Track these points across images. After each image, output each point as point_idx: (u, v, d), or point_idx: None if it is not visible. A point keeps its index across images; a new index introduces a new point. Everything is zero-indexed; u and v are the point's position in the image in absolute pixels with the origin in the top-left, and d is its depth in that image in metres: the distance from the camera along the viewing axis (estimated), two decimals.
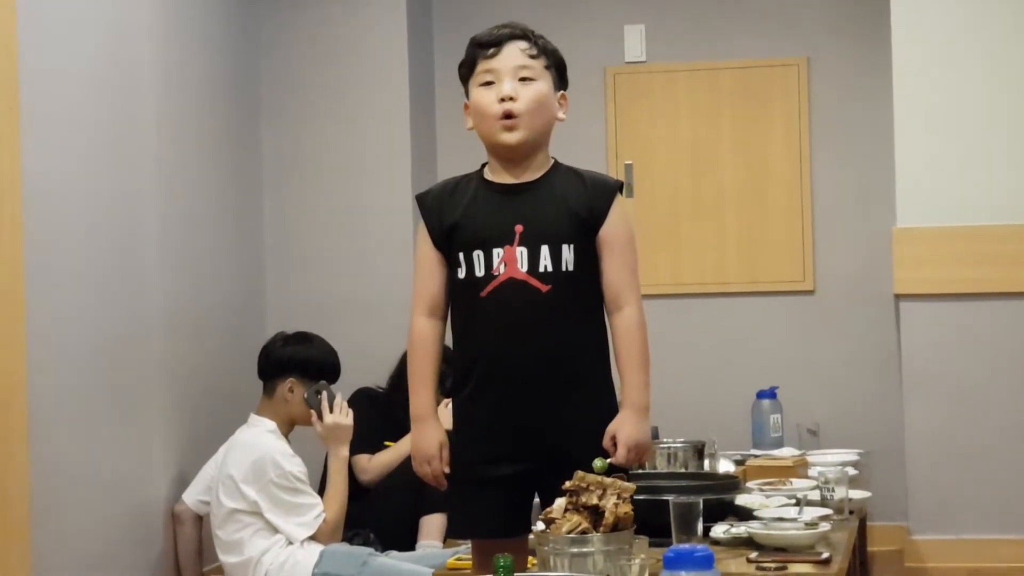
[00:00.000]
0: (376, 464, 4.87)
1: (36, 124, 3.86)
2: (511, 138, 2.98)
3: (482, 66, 3.00)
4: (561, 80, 3.07)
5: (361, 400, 4.90)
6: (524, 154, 3.01)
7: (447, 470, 3.02)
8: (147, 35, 4.58)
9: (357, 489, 4.71)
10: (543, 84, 3.01)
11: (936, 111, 5.08)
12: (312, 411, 4.49)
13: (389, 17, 5.62)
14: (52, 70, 3.99)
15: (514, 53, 2.99)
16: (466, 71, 3.05)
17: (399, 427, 4.91)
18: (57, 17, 4.03)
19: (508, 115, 2.97)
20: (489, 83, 2.99)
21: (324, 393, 4.50)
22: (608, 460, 2.82)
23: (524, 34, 3.02)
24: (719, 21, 5.87)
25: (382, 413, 4.97)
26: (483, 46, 3.01)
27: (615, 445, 2.92)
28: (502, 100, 2.97)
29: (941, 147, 5.08)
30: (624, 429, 2.94)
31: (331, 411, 4.48)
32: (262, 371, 4.60)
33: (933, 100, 5.08)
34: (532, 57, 3.00)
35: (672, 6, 5.91)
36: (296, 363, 4.55)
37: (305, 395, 4.50)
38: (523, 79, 2.98)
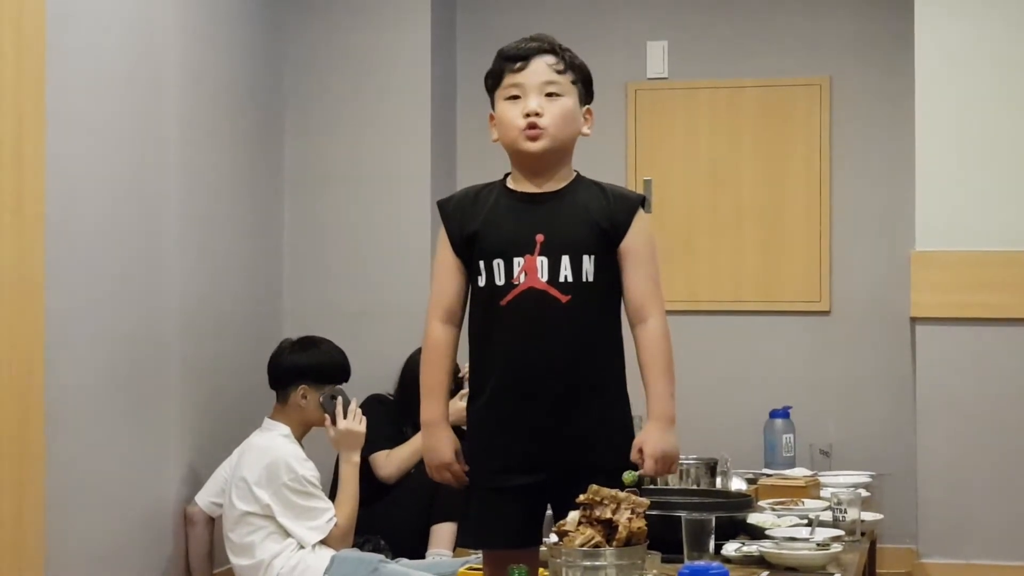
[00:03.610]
0: (395, 459, 4.86)
1: (62, 124, 3.88)
2: (534, 146, 2.98)
3: (509, 80, 3.00)
4: (587, 94, 3.07)
5: (373, 404, 4.91)
6: (547, 164, 3.01)
7: (467, 469, 3.02)
8: (173, 38, 4.60)
9: (372, 491, 4.72)
10: (569, 100, 3.01)
11: (958, 135, 5.08)
12: (326, 415, 4.50)
13: (413, 28, 5.63)
14: (79, 70, 4.01)
15: (541, 68, 2.99)
16: (492, 83, 3.04)
17: (408, 434, 4.92)
18: (85, 19, 4.05)
19: (532, 127, 2.97)
20: (515, 97, 2.99)
21: (339, 398, 4.51)
22: (637, 472, 2.82)
23: (552, 48, 3.01)
24: (742, 39, 5.86)
25: (393, 418, 4.98)
26: (511, 59, 3.00)
27: (643, 457, 2.92)
28: (527, 115, 2.97)
29: (962, 172, 5.08)
30: (650, 440, 2.94)
31: (344, 417, 4.49)
32: (273, 380, 4.60)
33: (955, 124, 5.08)
34: (559, 72, 3.00)
35: (695, 23, 5.90)
36: (306, 369, 4.54)
37: (320, 399, 4.51)
38: (549, 95, 2.98)
